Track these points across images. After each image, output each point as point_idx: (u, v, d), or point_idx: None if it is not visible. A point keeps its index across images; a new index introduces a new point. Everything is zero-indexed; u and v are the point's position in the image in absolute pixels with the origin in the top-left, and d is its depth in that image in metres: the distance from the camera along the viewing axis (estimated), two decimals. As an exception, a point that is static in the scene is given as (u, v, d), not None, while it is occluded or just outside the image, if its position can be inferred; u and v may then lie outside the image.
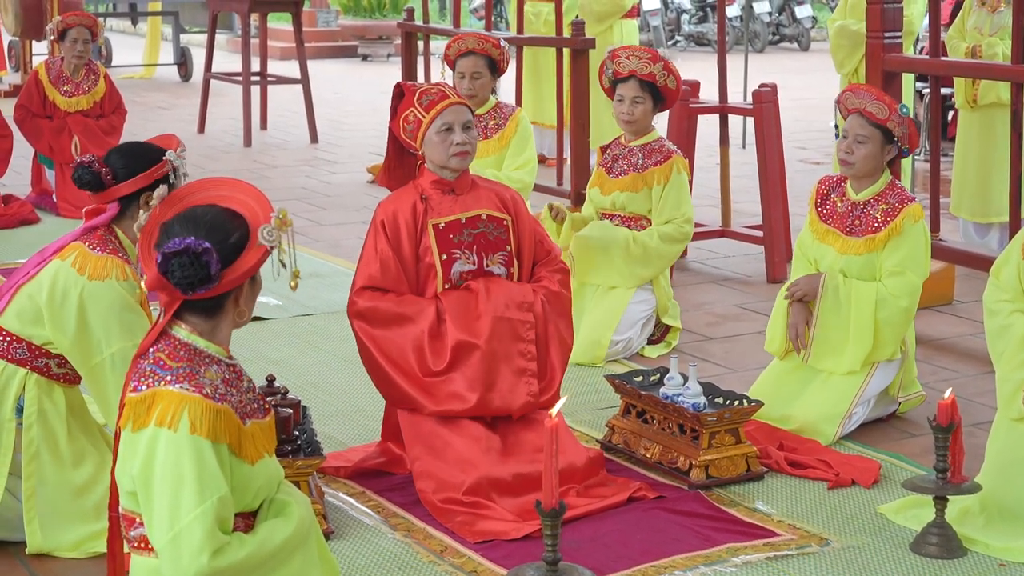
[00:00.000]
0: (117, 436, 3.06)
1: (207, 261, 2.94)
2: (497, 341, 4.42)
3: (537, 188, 7.31)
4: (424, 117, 4.50)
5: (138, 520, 3.00)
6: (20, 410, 4.03)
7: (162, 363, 3.00)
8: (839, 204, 5.10)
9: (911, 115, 4.97)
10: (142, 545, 3.01)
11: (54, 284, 3.96)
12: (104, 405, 4.00)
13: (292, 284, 3.13)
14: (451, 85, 4.64)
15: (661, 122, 7.85)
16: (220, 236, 3.00)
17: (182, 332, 3.06)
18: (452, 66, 6.68)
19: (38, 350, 4.03)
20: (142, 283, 3.95)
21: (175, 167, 3.99)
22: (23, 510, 3.99)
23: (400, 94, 4.61)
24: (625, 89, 5.95)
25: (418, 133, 4.53)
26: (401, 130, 4.58)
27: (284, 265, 3.09)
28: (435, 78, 9.91)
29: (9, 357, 4.03)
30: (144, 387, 2.98)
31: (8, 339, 4.03)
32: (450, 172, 4.56)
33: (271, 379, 4.35)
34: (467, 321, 4.43)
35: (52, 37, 9.22)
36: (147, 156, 4.01)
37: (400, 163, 4.70)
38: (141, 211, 3.96)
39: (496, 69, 6.63)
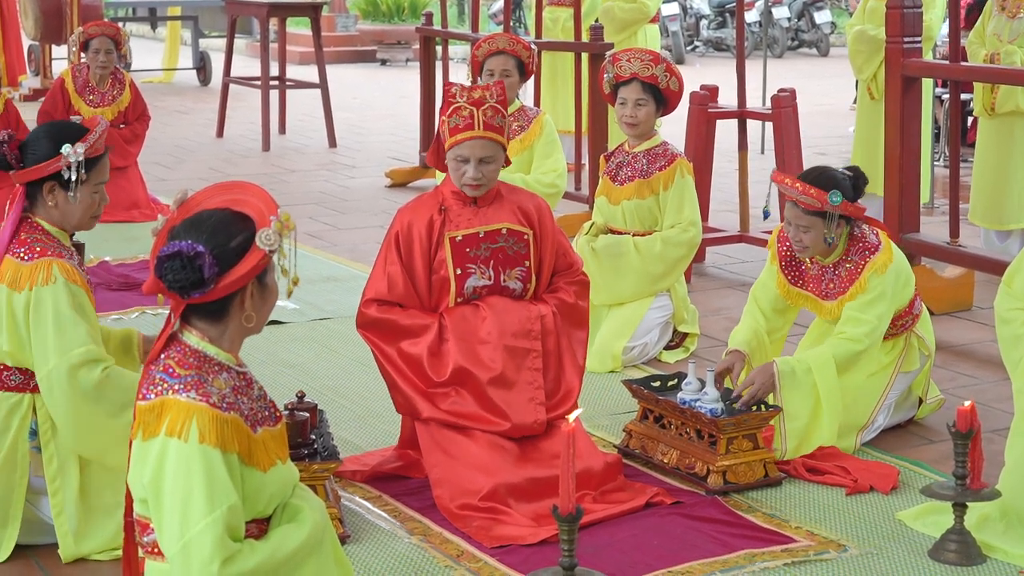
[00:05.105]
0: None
1: (200, 265, 2.92)
2: (505, 371, 4.40)
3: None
4: (447, 139, 4.48)
5: (151, 526, 3.00)
6: (33, 433, 4.00)
7: (171, 371, 2.99)
8: (810, 266, 4.94)
9: (836, 202, 4.67)
10: (155, 550, 3.00)
11: (27, 309, 3.88)
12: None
13: (288, 290, 3.08)
14: (498, 90, 4.53)
15: (679, 127, 7.86)
16: (221, 240, 2.97)
17: (193, 339, 3.05)
18: (478, 68, 6.65)
19: (29, 372, 3.97)
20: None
21: (69, 163, 3.89)
22: (55, 524, 3.97)
23: (446, 95, 4.53)
24: (627, 92, 5.90)
25: (443, 145, 4.52)
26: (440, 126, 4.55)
27: (285, 271, 3.03)
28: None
29: (6, 387, 3.99)
30: (152, 395, 2.97)
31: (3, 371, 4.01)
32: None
33: (301, 395, 4.35)
34: (470, 345, 4.40)
35: (75, 48, 9.19)
36: (48, 148, 3.91)
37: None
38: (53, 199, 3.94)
39: (524, 71, 6.62)
